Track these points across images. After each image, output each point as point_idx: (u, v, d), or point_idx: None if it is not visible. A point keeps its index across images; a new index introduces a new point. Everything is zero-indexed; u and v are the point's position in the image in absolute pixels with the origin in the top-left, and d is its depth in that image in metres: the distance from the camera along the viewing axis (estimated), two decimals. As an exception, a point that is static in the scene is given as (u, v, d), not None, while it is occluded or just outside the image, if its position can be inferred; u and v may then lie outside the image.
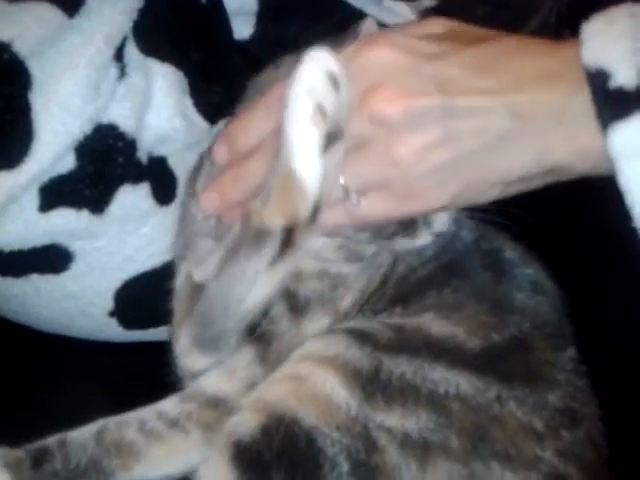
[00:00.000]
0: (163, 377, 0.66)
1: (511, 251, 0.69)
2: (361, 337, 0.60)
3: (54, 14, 0.62)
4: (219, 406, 0.64)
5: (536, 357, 0.62)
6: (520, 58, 0.55)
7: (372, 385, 0.57)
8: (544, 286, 0.67)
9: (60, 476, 0.59)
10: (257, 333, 0.65)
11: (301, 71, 0.54)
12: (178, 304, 0.68)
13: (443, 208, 0.60)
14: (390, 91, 0.55)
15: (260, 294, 0.60)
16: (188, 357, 0.66)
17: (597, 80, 0.49)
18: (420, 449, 0.55)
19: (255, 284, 0.59)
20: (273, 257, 0.58)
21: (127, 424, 0.62)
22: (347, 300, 0.68)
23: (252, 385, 0.64)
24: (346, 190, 0.58)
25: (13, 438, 0.62)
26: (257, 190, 0.59)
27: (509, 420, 0.57)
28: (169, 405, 0.64)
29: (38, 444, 0.60)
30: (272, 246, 0.57)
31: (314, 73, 0.54)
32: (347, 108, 0.56)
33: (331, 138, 0.55)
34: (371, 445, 0.55)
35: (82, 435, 0.61)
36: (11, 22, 0.60)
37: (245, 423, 0.57)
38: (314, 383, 0.58)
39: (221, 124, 0.73)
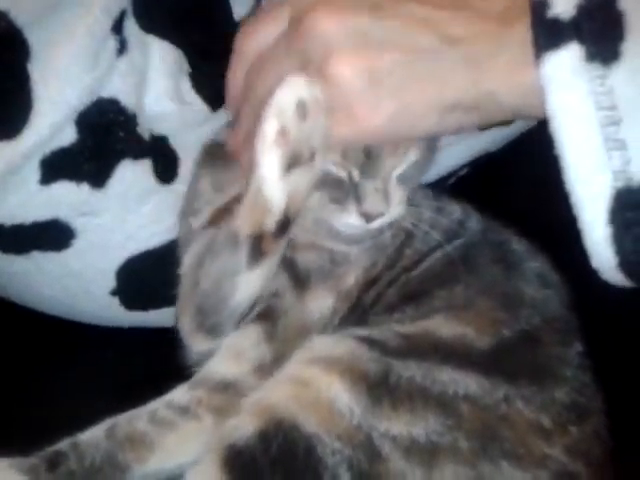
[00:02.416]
0: (168, 373, 0.66)
1: (517, 244, 0.69)
2: (369, 342, 0.60)
3: (51, -16, 0.62)
4: (229, 389, 0.63)
5: (545, 352, 0.61)
6: None
7: (379, 389, 0.56)
8: (551, 280, 0.67)
9: (77, 476, 0.58)
10: (262, 310, 0.65)
11: (276, 94, 0.57)
12: (183, 290, 0.68)
13: (381, 133, 0.58)
14: (324, 8, 0.55)
15: (246, 293, 0.62)
16: (193, 340, 0.67)
17: (538, 9, 0.49)
18: (427, 454, 0.54)
19: (239, 283, 0.61)
20: (247, 262, 0.60)
21: (137, 417, 0.62)
22: (350, 279, 0.67)
23: (261, 366, 0.63)
24: None
25: (18, 434, 0.62)
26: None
27: (517, 419, 0.56)
28: (178, 394, 0.64)
29: (51, 449, 0.60)
30: (244, 251, 0.60)
31: (286, 98, 0.56)
32: (318, 134, 0.58)
33: (294, 160, 0.57)
34: (374, 454, 0.54)
35: (93, 434, 0.61)
36: None
37: (242, 426, 0.56)
38: (318, 387, 0.57)
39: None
